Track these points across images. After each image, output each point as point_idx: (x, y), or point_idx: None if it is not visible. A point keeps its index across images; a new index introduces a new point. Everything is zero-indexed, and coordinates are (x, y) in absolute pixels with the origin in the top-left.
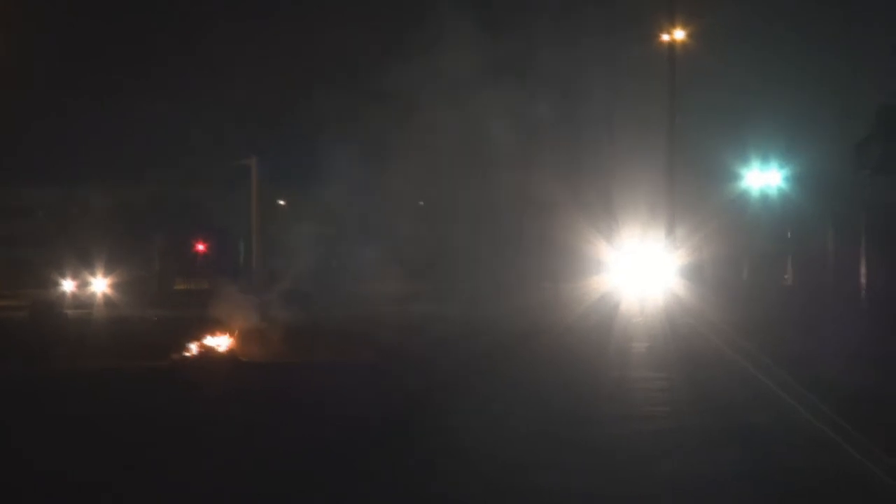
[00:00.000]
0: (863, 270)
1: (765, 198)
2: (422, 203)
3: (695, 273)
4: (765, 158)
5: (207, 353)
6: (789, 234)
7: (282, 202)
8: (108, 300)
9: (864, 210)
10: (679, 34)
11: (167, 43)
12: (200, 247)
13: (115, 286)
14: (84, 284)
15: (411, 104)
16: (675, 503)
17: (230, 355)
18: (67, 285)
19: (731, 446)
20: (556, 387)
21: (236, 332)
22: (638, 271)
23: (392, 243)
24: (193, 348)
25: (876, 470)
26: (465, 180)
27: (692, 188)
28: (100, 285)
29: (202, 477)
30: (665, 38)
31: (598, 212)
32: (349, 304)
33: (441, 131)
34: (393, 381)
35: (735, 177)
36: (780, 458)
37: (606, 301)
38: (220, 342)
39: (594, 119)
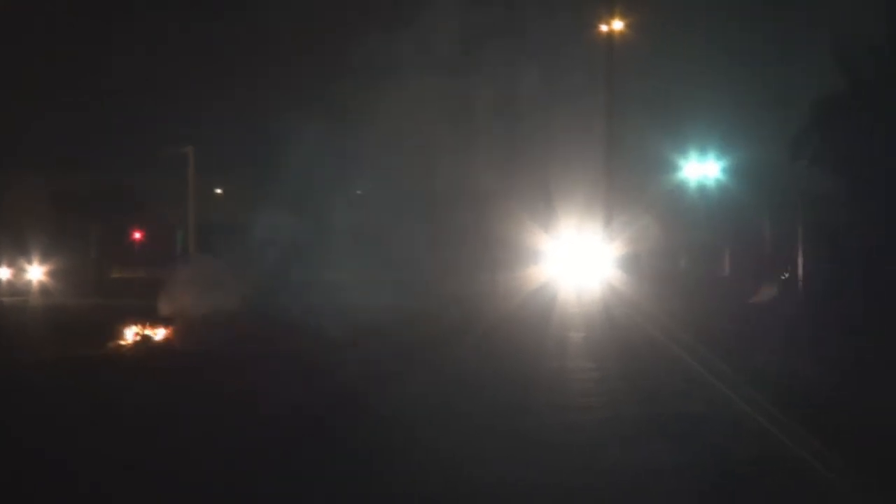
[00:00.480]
0: (799, 261)
1: (702, 189)
2: (359, 192)
3: (632, 264)
4: (702, 150)
5: (143, 342)
6: (727, 225)
7: (219, 191)
8: (44, 288)
9: (800, 201)
10: (618, 24)
11: (106, 26)
12: (137, 235)
13: (51, 274)
14: (20, 272)
15: (350, 94)
16: (613, 494)
17: (166, 344)
18: (3, 273)
19: (668, 436)
20: (492, 377)
21: (172, 321)
22: (575, 262)
23: (330, 232)
24: (129, 337)
25: (808, 457)
26: (403, 169)
27: (630, 179)
28: (36, 273)
29: (119, 467)
30: (603, 28)
31: (536, 202)
32: (286, 293)
33: (379, 120)
34: (323, 373)
35: (673, 168)
36: (716, 447)
37: (544, 291)
38: (156, 331)
39: (532, 109)
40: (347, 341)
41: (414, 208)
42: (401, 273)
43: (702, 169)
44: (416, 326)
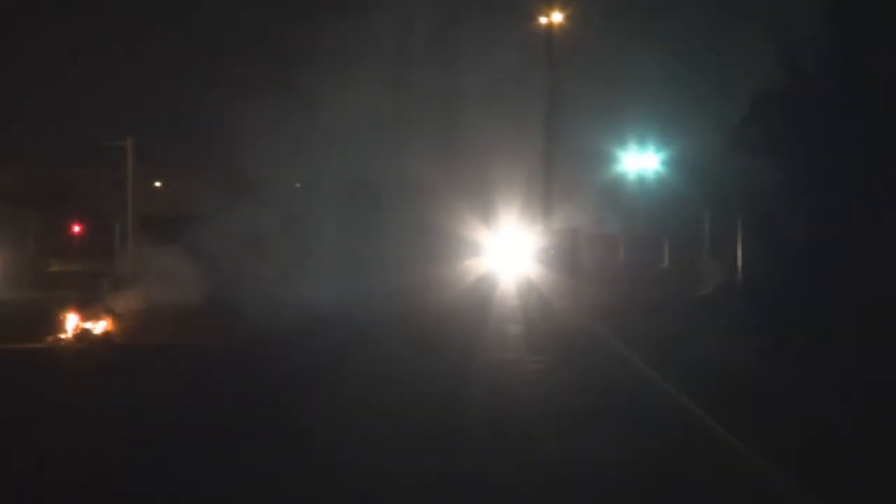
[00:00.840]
0: (739, 252)
1: (642, 181)
2: (298, 185)
3: (572, 256)
4: (642, 141)
5: (80, 336)
6: (666, 217)
7: (158, 184)
8: None
9: (740, 192)
10: (557, 17)
11: (46, 18)
12: (76, 228)
13: None
14: None
15: (287, 83)
16: (552, 489)
17: (104, 337)
18: None
19: (607, 428)
20: (430, 370)
21: (110, 315)
22: (515, 254)
23: (269, 225)
24: (68, 330)
25: (744, 447)
26: (342, 161)
27: (570, 171)
28: None
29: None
30: (542, 20)
31: (475, 194)
32: (221, 287)
33: (317, 111)
34: (251, 369)
35: (612, 159)
36: (656, 439)
37: (483, 284)
38: (93, 324)
39: (471, 100)
40: (282, 339)
41: (353, 201)
42: (340, 265)
43: (641, 161)
44: (355, 320)
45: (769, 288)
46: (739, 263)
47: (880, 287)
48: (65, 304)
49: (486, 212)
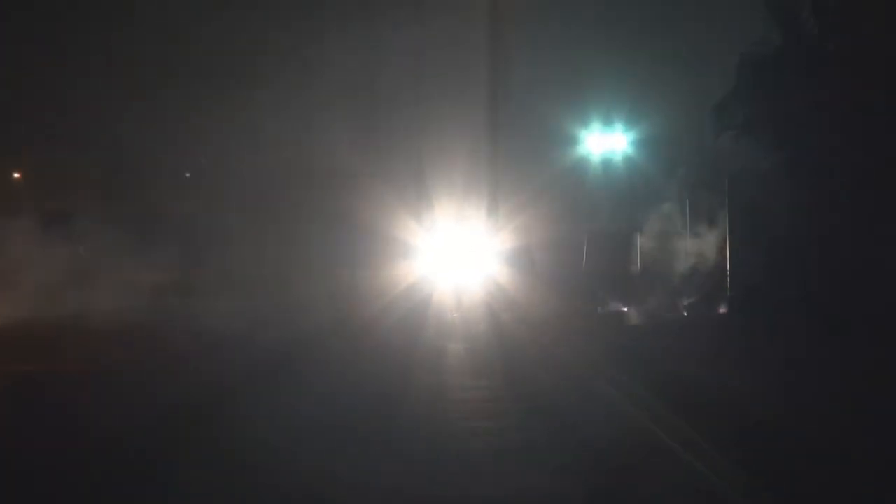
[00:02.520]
0: (727, 253)
1: (607, 167)
2: (188, 175)
3: (522, 259)
4: (607, 119)
5: None
6: (637, 211)
7: (17, 175)
8: None
9: (727, 179)
10: None
11: None
12: None
13: None
14: None
15: (190, 62)
16: None
17: None
18: None
19: (565, 471)
20: (351, 400)
21: None
22: (454, 257)
23: (155, 223)
24: None
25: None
26: (244, 148)
27: (520, 157)
28: None
29: None
30: None
31: (408, 187)
32: (99, 298)
33: (221, 93)
34: (141, 397)
35: (572, 142)
36: (629, 486)
37: (416, 292)
38: None
39: (403, 81)
40: (176, 360)
41: (257, 195)
42: (247, 272)
43: (606, 143)
44: (264, 337)
45: (761, 296)
46: (728, 266)
47: None
48: None
49: (419, 208)
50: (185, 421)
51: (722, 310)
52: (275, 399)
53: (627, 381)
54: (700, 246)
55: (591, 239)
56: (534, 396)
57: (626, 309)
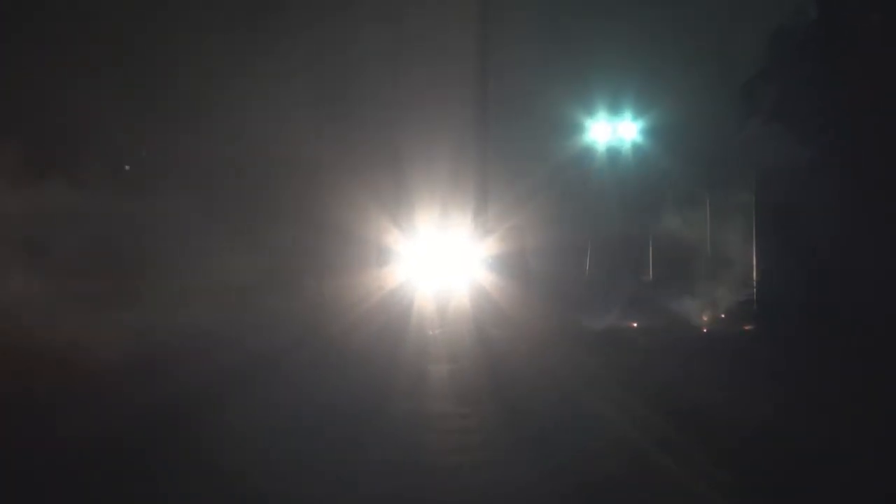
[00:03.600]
0: (754, 259)
1: (614, 161)
2: (128, 168)
3: (515, 267)
4: (614, 105)
5: None
6: (647, 212)
7: None
8: None
9: (755, 174)
10: None
11: None
12: None
13: None
14: None
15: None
16: None
17: None
18: None
19: None
20: (312, 433)
21: None
22: (437, 263)
23: (85, 223)
24: None
25: None
26: (197, 137)
27: (513, 149)
28: None
29: None
30: None
31: (383, 182)
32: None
33: (165, 73)
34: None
35: (574, 131)
36: None
37: (392, 304)
38: None
39: (375, 54)
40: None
41: (211, 191)
42: (193, 280)
43: (614, 132)
44: (215, 354)
45: (791, 308)
46: (755, 273)
47: None
48: None
49: (397, 205)
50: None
51: (748, 325)
52: (243, 408)
53: (639, 409)
54: (723, 251)
55: (596, 243)
56: (527, 426)
57: (635, 324)
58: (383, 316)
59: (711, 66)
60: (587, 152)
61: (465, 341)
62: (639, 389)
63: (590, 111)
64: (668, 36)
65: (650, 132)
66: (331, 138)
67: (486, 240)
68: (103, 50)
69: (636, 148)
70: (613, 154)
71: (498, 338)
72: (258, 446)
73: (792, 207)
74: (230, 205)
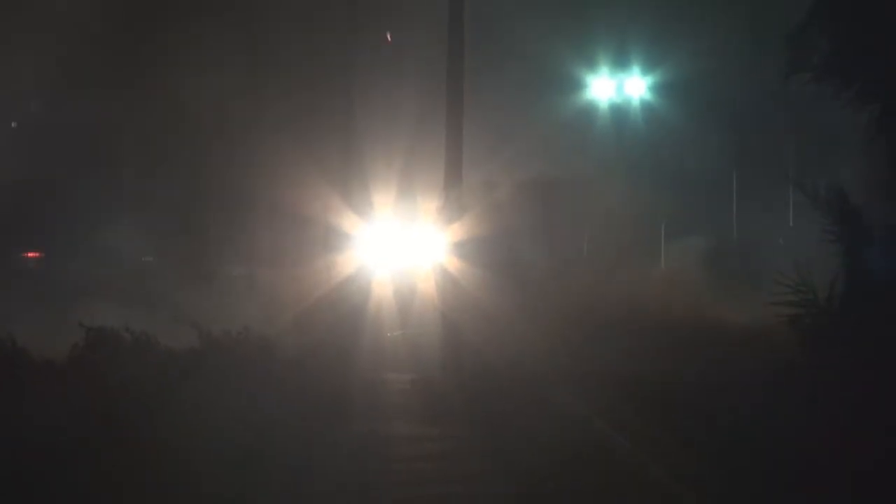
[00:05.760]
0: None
1: (619, 123)
2: (14, 124)
3: (495, 254)
4: (621, 59)
5: None
6: (662, 189)
7: None
8: None
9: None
10: None
11: None
12: None
13: None
14: None
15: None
16: None
17: None
18: None
19: None
20: (243, 459)
21: None
22: (398, 249)
23: None
24: None
25: None
26: (100, 92)
27: (494, 108)
28: None
29: None
30: None
31: (332, 149)
32: None
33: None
34: None
35: (571, 87)
36: None
37: (346, 298)
38: None
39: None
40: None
41: (116, 157)
42: (107, 268)
43: (618, 91)
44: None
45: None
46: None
47: None
48: None
49: (350, 177)
50: None
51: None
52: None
53: (652, 434)
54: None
55: (597, 224)
56: (511, 450)
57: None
58: (333, 314)
59: (743, 10)
60: (586, 112)
61: (433, 345)
62: (648, 403)
63: (590, 63)
64: None
65: (662, 89)
66: (267, 101)
67: (460, 221)
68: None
69: (646, 108)
70: (619, 116)
71: (472, 340)
72: (179, 480)
73: (845, 186)
74: (148, 175)
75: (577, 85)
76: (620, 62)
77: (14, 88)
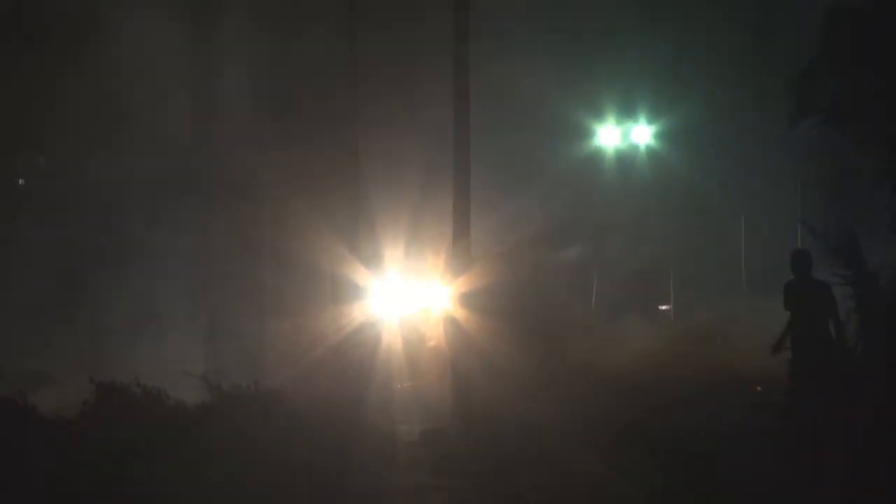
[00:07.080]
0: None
1: (626, 172)
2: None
3: (505, 304)
4: (629, 107)
5: None
6: (673, 231)
7: None
8: None
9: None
10: None
11: None
12: None
13: None
14: None
15: None
16: None
17: None
18: None
19: None
20: None
21: None
22: (407, 301)
23: None
24: None
25: None
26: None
27: (505, 163)
28: None
29: None
30: None
31: (338, 196)
32: None
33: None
34: None
35: (580, 138)
36: None
37: (356, 348)
38: None
39: (330, 38)
40: None
41: (130, 209)
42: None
43: (624, 138)
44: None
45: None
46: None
47: None
48: None
49: (356, 226)
50: None
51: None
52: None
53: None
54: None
55: (601, 273)
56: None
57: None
58: (342, 364)
59: (752, 56)
60: (595, 159)
61: (442, 396)
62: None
63: (597, 112)
64: (693, 19)
65: (669, 133)
66: (273, 147)
67: (468, 271)
68: None
69: (650, 153)
70: (623, 163)
71: (483, 393)
72: None
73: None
74: (140, 227)
75: (583, 133)
76: (627, 110)
77: None
